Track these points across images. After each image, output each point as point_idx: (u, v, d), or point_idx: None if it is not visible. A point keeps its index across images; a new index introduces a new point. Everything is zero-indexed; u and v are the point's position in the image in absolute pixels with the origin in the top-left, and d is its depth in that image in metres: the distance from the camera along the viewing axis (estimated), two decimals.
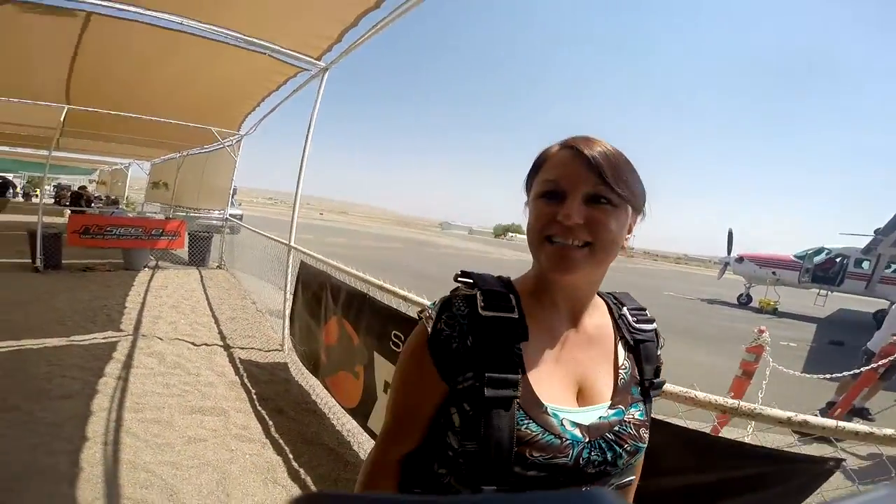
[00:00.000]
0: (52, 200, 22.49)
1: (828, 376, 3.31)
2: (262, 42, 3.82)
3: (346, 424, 3.09)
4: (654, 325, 0.81)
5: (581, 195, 0.66)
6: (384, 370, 2.43)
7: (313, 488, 2.45)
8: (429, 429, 0.75)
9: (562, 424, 0.66)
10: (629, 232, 0.73)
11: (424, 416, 0.74)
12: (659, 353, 0.81)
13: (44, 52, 4.33)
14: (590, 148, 0.67)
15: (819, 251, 15.84)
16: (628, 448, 0.69)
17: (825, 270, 15.38)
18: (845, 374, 3.47)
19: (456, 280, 0.74)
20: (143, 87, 5.55)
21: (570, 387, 0.72)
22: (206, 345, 4.43)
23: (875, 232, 13.46)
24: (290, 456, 2.70)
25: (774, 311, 14.59)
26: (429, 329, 0.72)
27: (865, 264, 14.59)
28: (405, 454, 0.77)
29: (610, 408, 0.71)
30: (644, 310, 0.83)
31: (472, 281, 0.73)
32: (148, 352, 4.01)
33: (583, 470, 0.66)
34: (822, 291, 15.31)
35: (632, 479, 0.77)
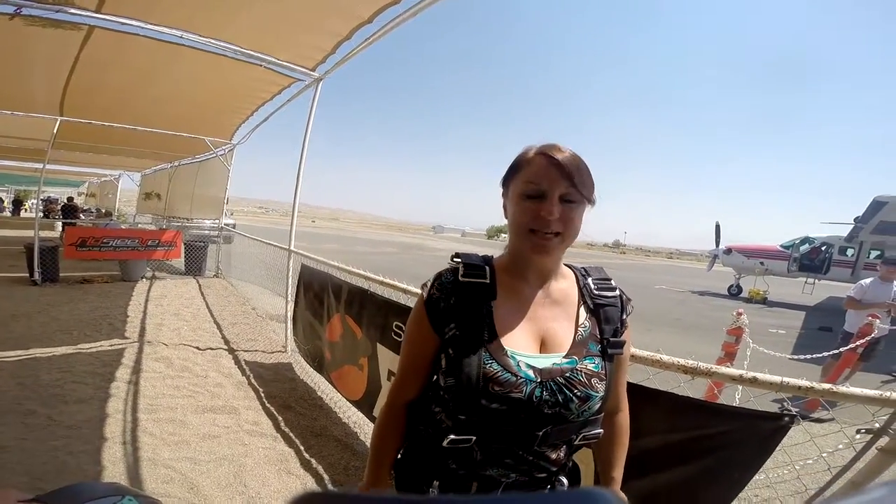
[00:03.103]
0: (41, 214, 21.99)
1: (808, 357, 3.47)
2: (258, 54, 3.87)
3: (351, 417, 3.24)
4: (616, 293, 0.96)
5: (557, 196, 0.83)
6: (387, 360, 2.58)
7: (325, 477, 2.57)
8: (428, 378, 0.97)
9: (518, 365, 0.84)
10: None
11: (424, 364, 0.95)
12: (624, 317, 0.95)
13: (43, 64, 4.34)
14: (562, 156, 0.84)
15: (805, 240, 16.11)
16: (578, 393, 0.84)
17: (811, 259, 15.63)
18: (825, 354, 3.65)
19: (451, 260, 0.95)
20: (137, 98, 5.57)
21: (533, 337, 0.89)
22: (210, 349, 4.54)
23: (854, 220, 13.60)
24: (301, 448, 2.83)
25: (764, 301, 14.89)
26: (425, 295, 0.93)
27: (850, 252, 14.81)
28: (409, 401, 0.99)
29: (565, 357, 0.87)
30: (609, 279, 0.98)
31: (460, 259, 0.93)
32: (155, 357, 4.11)
33: (538, 408, 0.83)
34: (809, 280, 15.58)
35: (599, 433, 0.92)
